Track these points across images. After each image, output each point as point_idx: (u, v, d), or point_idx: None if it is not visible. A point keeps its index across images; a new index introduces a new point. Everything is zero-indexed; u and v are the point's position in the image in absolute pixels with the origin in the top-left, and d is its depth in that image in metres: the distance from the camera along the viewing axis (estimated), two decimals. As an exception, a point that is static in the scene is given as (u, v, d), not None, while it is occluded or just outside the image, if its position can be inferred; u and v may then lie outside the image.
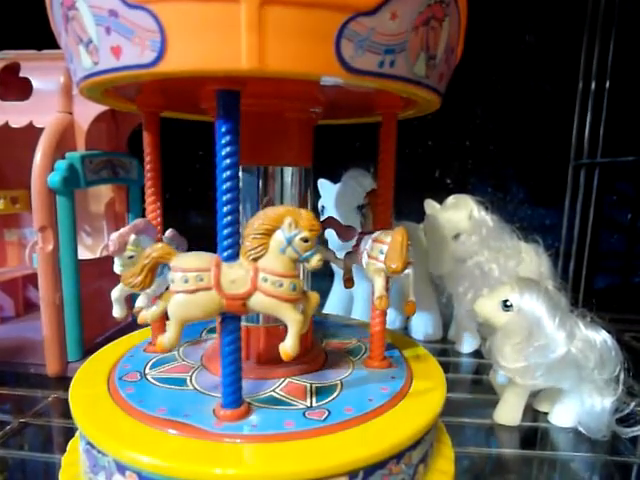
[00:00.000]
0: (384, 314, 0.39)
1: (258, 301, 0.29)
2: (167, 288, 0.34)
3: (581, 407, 0.48)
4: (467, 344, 0.69)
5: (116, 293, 0.36)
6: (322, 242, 0.43)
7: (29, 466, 0.44)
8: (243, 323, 0.36)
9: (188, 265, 0.29)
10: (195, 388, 0.34)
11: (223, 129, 0.28)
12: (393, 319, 0.75)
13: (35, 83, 0.59)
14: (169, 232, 0.40)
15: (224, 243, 0.29)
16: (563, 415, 0.50)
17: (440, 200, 0.68)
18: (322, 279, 0.78)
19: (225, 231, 0.29)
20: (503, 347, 0.48)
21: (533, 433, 0.50)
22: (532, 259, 0.66)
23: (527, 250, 0.66)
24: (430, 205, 0.68)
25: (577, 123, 0.90)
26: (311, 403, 0.33)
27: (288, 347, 0.29)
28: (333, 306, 0.77)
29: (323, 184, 0.71)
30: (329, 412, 0.31)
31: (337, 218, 0.44)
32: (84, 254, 0.70)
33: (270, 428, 0.29)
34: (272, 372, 0.36)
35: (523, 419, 0.50)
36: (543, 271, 0.66)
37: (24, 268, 0.76)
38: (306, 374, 0.37)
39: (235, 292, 0.29)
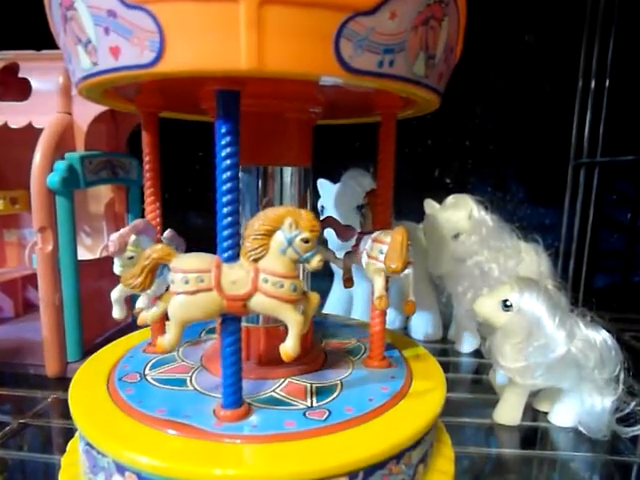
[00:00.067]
0: (384, 314, 0.39)
1: (259, 302, 0.29)
2: (167, 289, 0.34)
3: (581, 407, 0.48)
4: (467, 344, 0.69)
5: (116, 294, 0.36)
6: (321, 242, 0.43)
7: (29, 467, 0.44)
8: (243, 324, 0.36)
9: (188, 266, 0.29)
10: (195, 389, 0.34)
11: (223, 130, 0.28)
12: (393, 319, 0.75)
13: (34, 83, 0.59)
14: (168, 232, 0.40)
15: (224, 244, 0.29)
16: (563, 415, 0.50)
17: (440, 200, 0.68)
18: (322, 279, 0.78)
19: (225, 232, 0.29)
20: (503, 347, 0.48)
21: (533, 433, 0.50)
22: (532, 258, 0.66)
23: (527, 250, 0.66)
24: (430, 205, 0.68)
25: (577, 122, 0.90)
26: (311, 403, 0.33)
27: (289, 348, 0.29)
28: (333, 306, 0.77)
29: (323, 184, 0.71)
30: (329, 412, 0.31)
31: (337, 218, 0.44)
32: (84, 254, 0.70)
33: (271, 428, 0.29)
34: (272, 372, 0.36)
35: (523, 419, 0.50)
36: (543, 270, 0.66)
37: (23, 269, 0.76)
38: (306, 374, 0.37)
39: (236, 293, 0.29)
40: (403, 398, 0.34)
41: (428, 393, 0.35)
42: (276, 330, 0.37)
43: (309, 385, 0.35)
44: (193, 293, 0.28)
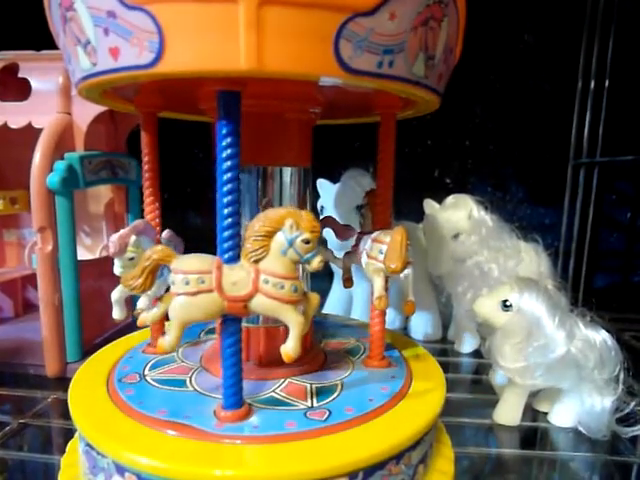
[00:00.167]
0: (383, 314, 0.39)
1: (259, 303, 0.29)
2: (167, 290, 0.34)
3: (581, 407, 0.48)
4: (467, 344, 0.69)
5: (116, 294, 0.36)
6: (321, 242, 0.43)
7: (28, 467, 0.44)
8: (243, 324, 0.36)
9: (189, 267, 0.29)
10: (195, 389, 0.34)
11: (224, 131, 0.28)
12: (392, 319, 0.75)
13: (34, 84, 0.59)
14: (166, 233, 0.40)
15: (225, 245, 0.29)
16: (563, 415, 0.50)
17: (439, 200, 0.68)
18: (321, 279, 0.78)
19: (226, 233, 0.29)
20: (503, 347, 0.48)
21: (533, 433, 0.50)
22: (532, 258, 0.66)
23: (527, 249, 0.66)
24: (429, 205, 0.68)
25: (576, 122, 0.90)
26: (312, 403, 0.33)
27: (290, 349, 0.29)
28: (332, 306, 0.77)
29: (322, 184, 0.71)
30: (330, 412, 0.31)
31: (336, 218, 0.44)
32: (83, 254, 0.70)
33: (271, 429, 0.29)
34: (272, 373, 0.36)
35: (523, 419, 0.50)
36: (543, 270, 0.66)
37: (23, 269, 0.76)
38: (306, 374, 0.37)
39: (236, 294, 0.29)
40: (403, 398, 0.34)
41: (428, 393, 0.35)
42: (276, 330, 0.37)
43: (309, 385, 0.35)
44: (194, 294, 0.28)
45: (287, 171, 0.37)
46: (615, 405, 0.47)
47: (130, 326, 0.64)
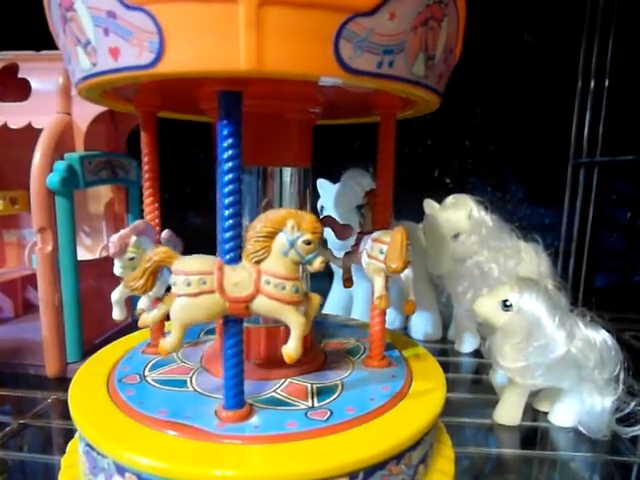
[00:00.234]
0: (384, 313, 0.39)
1: (261, 304, 0.29)
2: (167, 289, 0.34)
3: (581, 407, 0.48)
4: (467, 344, 0.69)
5: (116, 295, 0.36)
6: (321, 241, 0.43)
7: (29, 467, 0.44)
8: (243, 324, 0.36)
9: (190, 268, 0.29)
10: (195, 390, 0.34)
11: (225, 132, 0.28)
12: (392, 319, 0.75)
13: (34, 84, 0.59)
14: (165, 233, 0.40)
15: (226, 246, 0.29)
16: (563, 415, 0.50)
17: (439, 200, 0.68)
18: (322, 279, 0.78)
19: (227, 234, 0.29)
20: (503, 347, 0.48)
21: (533, 433, 0.50)
22: (532, 258, 0.66)
23: (527, 249, 0.66)
24: (429, 205, 0.68)
25: (576, 122, 0.90)
26: (313, 403, 0.33)
27: (291, 349, 0.29)
28: (332, 306, 0.77)
29: (322, 184, 0.71)
30: (331, 412, 0.31)
31: (336, 218, 0.44)
32: (83, 255, 0.70)
33: (273, 429, 0.29)
34: (272, 373, 0.36)
35: (523, 419, 0.50)
36: (543, 270, 0.66)
37: (23, 269, 0.76)
38: (306, 374, 0.37)
39: (238, 295, 0.29)
40: (403, 398, 0.34)
41: (428, 393, 0.35)
42: (276, 330, 0.37)
43: (310, 385, 0.35)
44: (195, 295, 0.28)
45: (287, 171, 0.37)
46: (615, 405, 0.47)
47: (130, 326, 0.64)
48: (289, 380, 0.36)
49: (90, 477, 0.31)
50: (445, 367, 0.40)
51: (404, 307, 0.37)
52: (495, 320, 0.48)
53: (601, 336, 0.47)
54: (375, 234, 0.36)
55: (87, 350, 0.60)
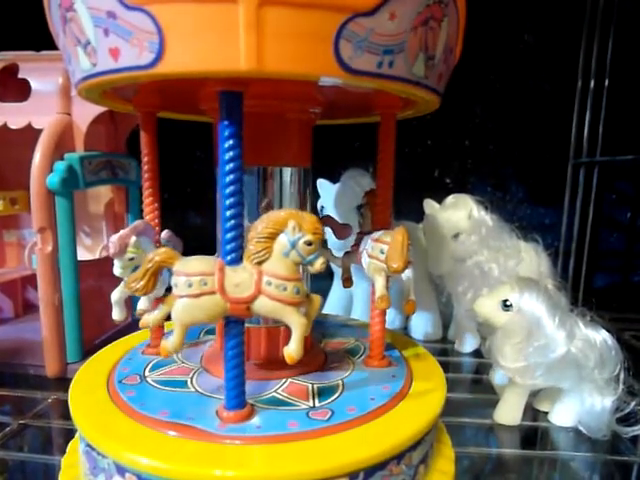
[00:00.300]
0: (384, 313, 0.39)
1: (262, 305, 0.29)
2: (167, 289, 0.34)
3: (581, 406, 0.48)
4: (467, 344, 0.69)
5: (116, 295, 0.36)
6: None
7: (29, 467, 0.44)
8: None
9: (192, 269, 0.29)
10: (196, 390, 0.34)
11: (226, 133, 0.28)
12: (393, 319, 0.75)
13: (33, 84, 0.59)
14: (165, 233, 0.40)
15: (227, 247, 0.29)
16: (563, 414, 0.50)
17: (439, 200, 0.68)
18: (322, 279, 0.78)
19: (228, 235, 0.29)
20: (503, 347, 0.48)
21: (533, 433, 0.50)
22: (532, 258, 0.66)
23: (527, 249, 0.66)
24: (429, 205, 0.68)
25: (576, 122, 0.90)
26: (314, 403, 0.33)
27: (292, 350, 0.29)
28: (332, 306, 0.77)
29: (322, 184, 0.71)
30: (332, 412, 0.31)
31: (336, 218, 0.44)
32: (83, 255, 0.70)
33: (274, 429, 0.29)
34: (273, 373, 0.36)
35: (523, 419, 0.50)
36: (543, 270, 0.66)
37: (23, 269, 0.76)
38: (307, 374, 0.37)
39: (239, 296, 0.29)
40: (403, 399, 0.34)
41: (428, 393, 0.35)
42: (276, 330, 0.37)
43: (310, 385, 0.35)
44: (196, 296, 0.28)
45: (287, 171, 0.37)
46: (615, 405, 0.47)
47: (130, 326, 0.64)
48: (290, 380, 0.36)
49: (90, 477, 0.31)
50: (445, 367, 0.41)
51: (404, 307, 0.36)
52: (495, 320, 0.48)
53: (601, 336, 0.47)
54: (376, 234, 0.36)
55: (87, 350, 0.60)
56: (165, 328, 0.41)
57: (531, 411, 0.52)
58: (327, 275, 0.78)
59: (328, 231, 0.42)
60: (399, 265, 0.33)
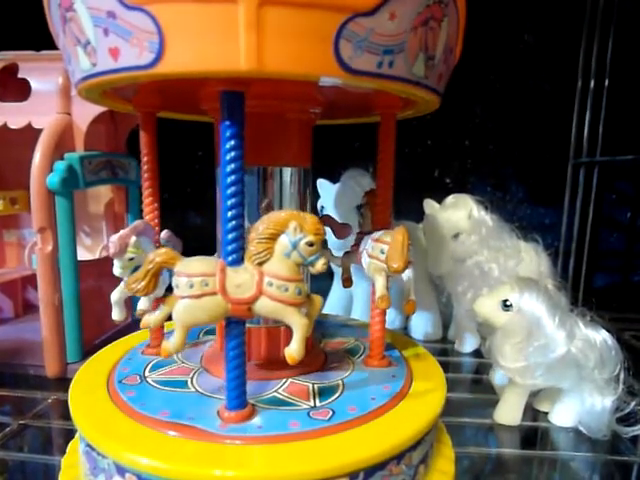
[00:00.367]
0: (384, 313, 0.39)
1: (263, 305, 0.29)
2: (166, 288, 0.34)
3: (581, 406, 0.48)
4: (467, 344, 0.69)
5: (116, 295, 0.36)
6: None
7: (29, 468, 0.44)
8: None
9: (193, 270, 0.29)
10: (197, 390, 0.34)
11: (228, 133, 0.28)
12: (392, 319, 0.75)
13: (33, 84, 0.59)
14: (164, 233, 0.40)
15: (229, 247, 0.29)
16: (563, 415, 0.49)
17: (439, 200, 0.68)
18: (322, 279, 0.78)
19: (230, 235, 0.29)
20: (503, 347, 0.48)
21: (533, 433, 0.50)
22: (532, 258, 0.66)
23: (527, 249, 0.66)
24: (429, 205, 0.68)
25: (576, 122, 0.90)
26: (315, 403, 0.33)
27: (294, 351, 0.29)
28: (332, 306, 0.77)
29: (322, 184, 0.71)
30: (333, 412, 0.31)
31: (336, 218, 0.44)
32: (83, 255, 0.70)
33: (275, 429, 0.29)
34: (273, 373, 0.36)
35: (523, 419, 0.50)
36: (543, 270, 0.66)
37: (23, 269, 0.76)
38: (307, 374, 0.37)
39: (240, 297, 0.29)
40: (403, 398, 0.34)
41: (428, 393, 0.35)
42: (276, 330, 0.37)
43: (311, 385, 0.35)
44: (198, 297, 0.28)
45: (287, 171, 0.37)
46: (615, 405, 0.47)
47: (130, 326, 0.64)
48: (290, 380, 0.36)
49: (90, 478, 0.31)
50: (445, 367, 0.41)
51: (404, 307, 0.36)
52: (495, 320, 0.48)
53: (601, 336, 0.47)
54: (376, 234, 0.36)
55: (87, 350, 0.60)
56: (165, 328, 0.41)
57: (531, 411, 0.52)
58: (327, 275, 0.78)
59: (327, 231, 0.42)
60: (399, 265, 0.33)
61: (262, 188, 0.37)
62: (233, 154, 0.28)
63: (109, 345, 0.43)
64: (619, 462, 0.46)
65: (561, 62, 0.90)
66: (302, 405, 0.32)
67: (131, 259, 0.35)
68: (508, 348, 0.48)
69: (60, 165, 0.55)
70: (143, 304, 0.37)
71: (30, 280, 0.72)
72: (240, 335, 0.30)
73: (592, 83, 0.88)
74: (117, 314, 0.36)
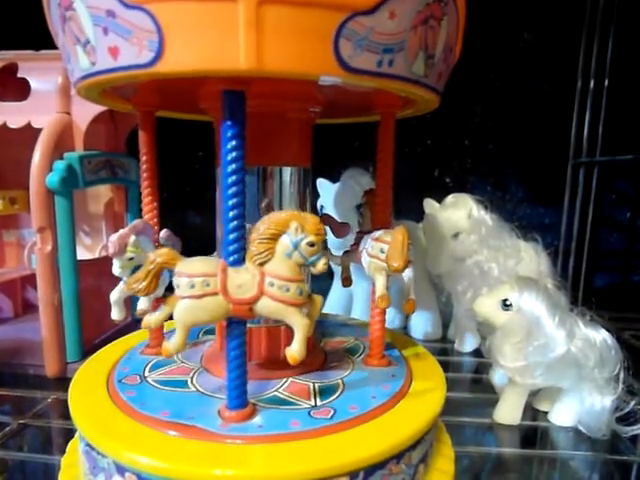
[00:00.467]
0: (384, 312, 0.39)
1: (264, 305, 0.29)
2: (166, 288, 0.34)
3: (581, 406, 0.48)
4: (467, 343, 0.69)
5: (115, 295, 0.36)
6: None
7: (29, 467, 0.44)
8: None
9: (194, 270, 0.29)
10: (197, 390, 0.34)
11: (229, 133, 0.28)
12: (392, 318, 0.75)
13: (33, 83, 0.59)
14: (164, 232, 0.40)
15: (230, 248, 0.29)
16: (563, 414, 0.49)
17: (439, 199, 0.68)
18: (322, 279, 0.78)
19: (231, 236, 0.29)
20: (503, 346, 0.48)
21: (533, 432, 0.50)
22: (531, 258, 0.66)
23: (526, 249, 0.66)
24: (429, 204, 0.68)
25: (576, 122, 0.90)
26: (315, 402, 0.33)
27: (295, 351, 0.29)
28: (332, 306, 0.77)
29: (322, 184, 0.71)
30: (334, 411, 0.31)
31: (336, 217, 0.44)
32: (83, 254, 0.70)
33: (276, 428, 0.29)
34: (274, 372, 0.36)
35: (523, 418, 0.50)
36: (542, 270, 0.66)
37: (23, 269, 0.76)
38: (307, 374, 0.37)
39: (242, 297, 0.29)
40: (403, 398, 0.34)
41: (428, 393, 0.35)
42: (277, 330, 0.37)
43: (311, 384, 0.35)
44: (199, 297, 0.28)
45: (287, 171, 0.37)
46: (615, 404, 0.47)
47: (130, 326, 0.64)
48: (291, 379, 0.36)
49: (90, 477, 0.31)
50: (445, 366, 0.40)
51: (404, 306, 0.36)
52: (495, 319, 0.48)
53: (601, 335, 0.47)
54: (376, 233, 0.36)
55: (87, 350, 0.60)
56: (165, 328, 0.41)
57: (531, 411, 0.52)
58: (327, 275, 0.78)
59: (327, 230, 0.42)
60: (399, 264, 0.33)
61: (262, 188, 0.37)
62: (234, 154, 0.28)
63: (109, 345, 0.43)
64: (619, 461, 0.46)
65: (561, 62, 0.90)
66: (303, 404, 0.32)
67: (130, 259, 0.35)
68: (508, 347, 0.48)
69: (60, 165, 0.55)
70: (143, 304, 0.37)
71: (30, 280, 0.72)
72: (241, 335, 0.30)
73: (592, 83, 0.88)
74: (117, 314, 0.36)
